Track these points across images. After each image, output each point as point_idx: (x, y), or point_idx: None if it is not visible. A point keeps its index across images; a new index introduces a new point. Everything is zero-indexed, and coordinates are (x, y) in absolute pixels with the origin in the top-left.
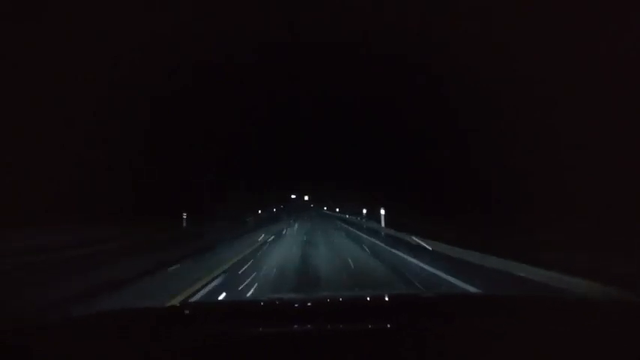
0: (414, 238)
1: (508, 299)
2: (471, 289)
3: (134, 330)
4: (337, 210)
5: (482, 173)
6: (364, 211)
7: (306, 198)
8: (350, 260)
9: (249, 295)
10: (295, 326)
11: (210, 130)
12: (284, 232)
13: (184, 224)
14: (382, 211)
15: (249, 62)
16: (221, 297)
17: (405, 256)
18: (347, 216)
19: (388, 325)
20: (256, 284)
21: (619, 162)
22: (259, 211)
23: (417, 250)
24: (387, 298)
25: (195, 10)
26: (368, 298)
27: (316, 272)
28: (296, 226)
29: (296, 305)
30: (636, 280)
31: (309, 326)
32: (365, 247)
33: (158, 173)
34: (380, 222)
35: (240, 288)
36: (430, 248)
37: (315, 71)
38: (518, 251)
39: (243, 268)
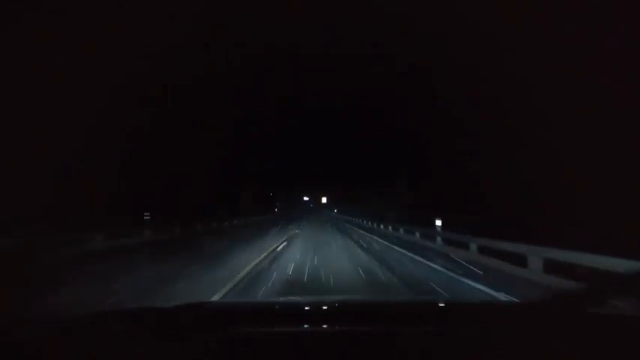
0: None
1: (535, 306)
2: None
3: (140, 329)
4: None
5: (485, 174)
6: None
7: (324, 200)
8: None
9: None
10: (307, 328)
11: (211, 130)
12: None
13: None
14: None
15: (256, 65)
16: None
17: None
18: None
19: (405, 331)
20: None
21: (623, 162)
22: None
23: None
24: (405, 304)
25: (196, 20)
26: (382, 304)
27: None
28: None
29: (307, 308)
30: None
31: (322, 328)
32: None
33: (158, 175)
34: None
35: None
36: None
37: (319, 72)
38: None
39: None
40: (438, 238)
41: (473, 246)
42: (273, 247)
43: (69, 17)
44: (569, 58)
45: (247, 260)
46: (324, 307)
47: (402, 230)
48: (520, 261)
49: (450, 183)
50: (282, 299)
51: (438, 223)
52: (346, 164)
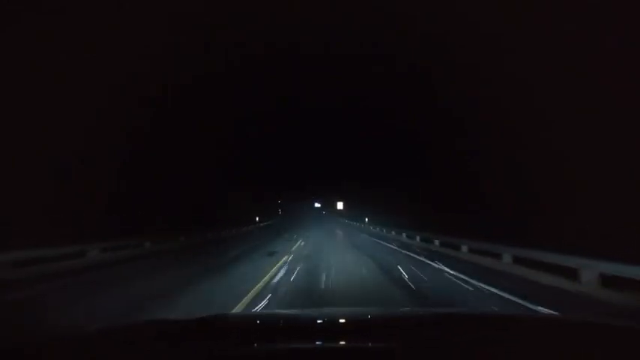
0: None
1: (551, 320)
2: None
3: (153, 343)
4: None
5: (485, 174)
6: None
7: (340, 206)
8: None
9: None
10: (321, 343)
11: (212, 131)
12: None
13: None
14: None
15: (256, 65)
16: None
17: None
18: None
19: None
20: None
21: (623, 162)
22: None
23: None
24: (415, 315)
25: (196, 20)
26: (393, 315)
27: None
28: None
29: (320, 321)
30: None
31: (336, 344)
32: None
33: (159, 176)
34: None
35: None
36: None
37: (321, 72)
38: None
39: None
40: None
41: None
42: None
43: (69, 17)
44: (569, 58)
45: None
46: (332, 321)
47: None
48: None
49: (450, 183)
50: (295, 311)
51: None
52: (360, 166)
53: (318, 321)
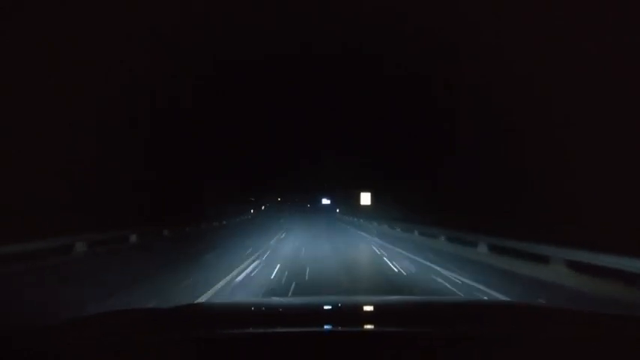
0: None
1: (541, 308)
2: None
3: (142, 331)
4: None
5: (485, 173)
6: None
7: (365, 199)
8: None
9: None
10: (311, 329)
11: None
12: None
13: None
14: None
15: (261, 65)
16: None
17: None
18: None
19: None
20: None
21: (624, 161)
22: None
23: None
24: (409, 303)
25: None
26: (382, 303)
27: None
28: None
29: (328, 307)
30: None
31: (355, 328)
32: None
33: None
34: None
35: None
36: None
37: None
38: None
39: None
40: None
41: None
42: None
43: (70, 17)
44: (572, 58)
45: None
46: (341, 307)
47: None
48: None
49: (453, 183)
50: (278, 299)
51: None
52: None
53: (326, 307)
